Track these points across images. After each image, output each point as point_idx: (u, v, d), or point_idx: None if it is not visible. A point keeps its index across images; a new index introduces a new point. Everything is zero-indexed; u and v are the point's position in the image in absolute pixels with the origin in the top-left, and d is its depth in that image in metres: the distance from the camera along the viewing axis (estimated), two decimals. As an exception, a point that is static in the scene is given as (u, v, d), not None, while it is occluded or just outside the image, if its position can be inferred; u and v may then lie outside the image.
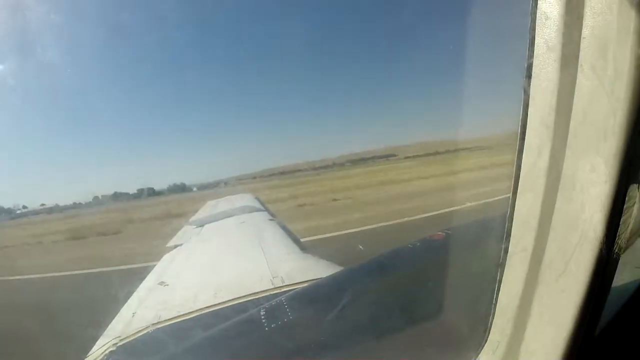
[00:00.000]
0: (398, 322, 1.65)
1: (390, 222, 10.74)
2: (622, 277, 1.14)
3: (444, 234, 2.01)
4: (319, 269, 2.66)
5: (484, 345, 1.08)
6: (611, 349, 1.02)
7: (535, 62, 0.82)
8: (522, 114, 0.87)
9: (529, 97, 0.85)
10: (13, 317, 6.00)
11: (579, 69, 0.74)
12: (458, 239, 1.95)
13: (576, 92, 0.75)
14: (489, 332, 1.06)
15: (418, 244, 2.05)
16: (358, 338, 1.62)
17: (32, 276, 9.83)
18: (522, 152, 0.88)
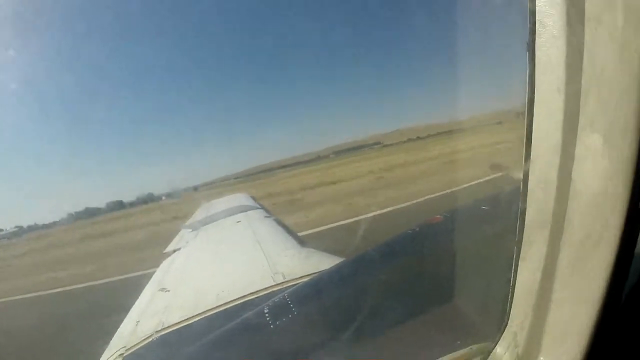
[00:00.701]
0: (407, 310, 1.62)
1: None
2: None
3: (443, 217, 1.98)
4: (319, 262, 2.66)
5: (503, 330, 1.03)
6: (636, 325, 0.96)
7: (540, 20, 0.76)
8: (529, 79, 0.81)
9: (534, 60, 0.79)
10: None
11: (587, 24, 0.69)
12: (465, 220, 1.91)
13: (585, 50, 0.70)
14: (508, 316, 1.01)
15: (418, 229, 2.03)
16: (366, 329, 1.60)
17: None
18: (532, 119, 0.82)
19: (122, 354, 2.00)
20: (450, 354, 1.25)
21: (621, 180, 0.68)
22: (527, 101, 0.82)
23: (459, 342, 1.28)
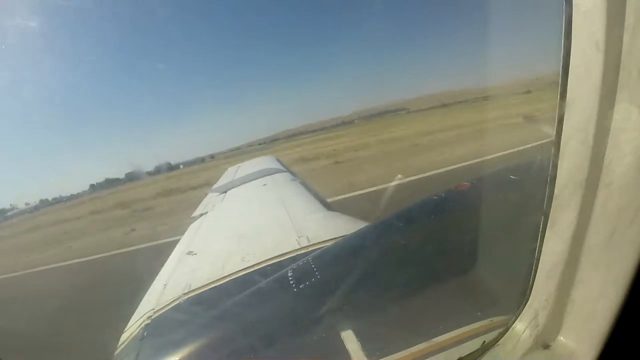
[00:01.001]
0: (428, 277, 1.60)
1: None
2: None
3: (470, 184, 1.92)
4: (344, 226, 2.60)
5: (524, 305, 0.99)
6: None
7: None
8: (565, 32, 0.75)
9: (570, 29, 0.73)
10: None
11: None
12: (492, 188, 1.85)
13: (626, 18, 0.64)
14: (530, 291, 0.97)
15: (443, 195, 1.97)
16: (387, 294, 1.59)
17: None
18: (567, 79, 0.77)
19: (151, 316, 2.03)
20: (470, 325, 1.24)
21: None
22: (562, 58, 0.77)
23: (479, 313, 1.26)
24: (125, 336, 1.96)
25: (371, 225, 2.30)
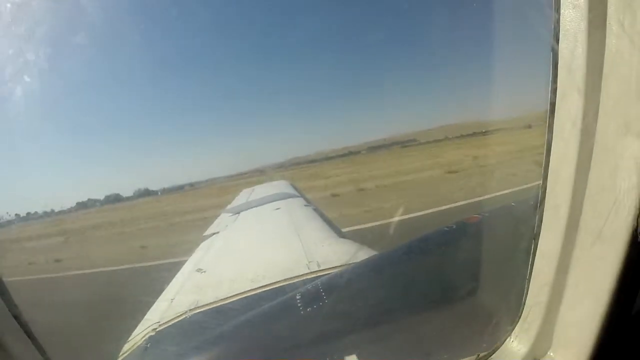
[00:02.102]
0: (431, 303, 1.64)
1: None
2: None
3: (480, 216, 1.97)
4: (354, 254, 2.60)
5: (516, 323, 1.07)
6: None
7: (563, 25, 0.79)
8: (552, 79, 0.84)
9: (558, 61, 0.82)
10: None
11: (608, 27, 0.72)
12: (492, 220, 1.91)
13: (606, 52, 0.73)
14: (522, 310, 1.05)
15: (454, 226, 1.99)
16: (392, 319, 1.60)
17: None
18: (554, 117, 0.86)
19: (155, 328, 2.03)
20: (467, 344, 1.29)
21: (635, 179, 0.70)
22: (549, 103, 0.86)
23: (477, 336, 1.30)
24: (129, 346, 1.96)
25: (380, 254, 2.31)
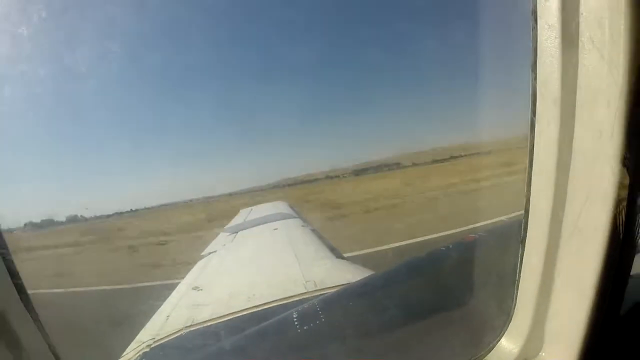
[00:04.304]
0: (428, 322, 1.61)
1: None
2: None
3: (476, 236, 1.97)
4: (351, 274, 2.61)
5: (508, 324, 1.09)
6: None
7: (540, 44, 0.86)
8: (532, 92, 0.90)
9: (536, 76, 0.88)
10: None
11: (580, 44, 0.78)
12: (482, 239, 1.91)
13: (580, 66, 0.79)
14: (512, 311, 1.07)
15: (450, 246, 2.00)
16: (390, 340, 1.58)
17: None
18: (534, 129, 0.92)
19: (150, 345, 2.02)
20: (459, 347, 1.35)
21: (614, 180, 0.75)
22: (530, 114, 0.92)
23: (467, 333, 1.38)
24: None
25: (376, 274, 2.32)
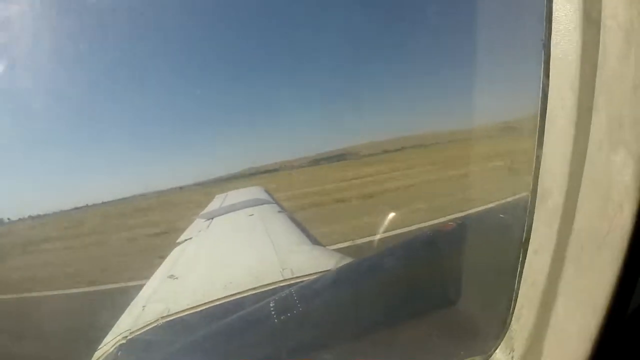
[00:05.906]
0: (410, 313, 1.61)
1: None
2: None
3: (455, 224, 1.95)
4: (329, 261, 2.62)
5: (504, 335, 1.01)
6: None
7: (555, 20, 0.77)
8: (544, 75, 0.81)
9: (550, 57, 0.79)
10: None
11: (602, 23, 0.68)
12: (473, 226, 1.90)
13: (601, 48, 0.69)
14: (510, 321, 1.00)
15: (430, 233, 2.01)
16: (369, 328, 1.59)
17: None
18: (545, 118, 0.82)
19: (126, 336, 2.00)
20: (452, 356, 1.24)
21: (631, 179, 0.65)
22: (540, 99, 0.83)
23: (460, 348, 1.25)
24: (99, 354, 1.92)
25: (356, 261, 2.31)
